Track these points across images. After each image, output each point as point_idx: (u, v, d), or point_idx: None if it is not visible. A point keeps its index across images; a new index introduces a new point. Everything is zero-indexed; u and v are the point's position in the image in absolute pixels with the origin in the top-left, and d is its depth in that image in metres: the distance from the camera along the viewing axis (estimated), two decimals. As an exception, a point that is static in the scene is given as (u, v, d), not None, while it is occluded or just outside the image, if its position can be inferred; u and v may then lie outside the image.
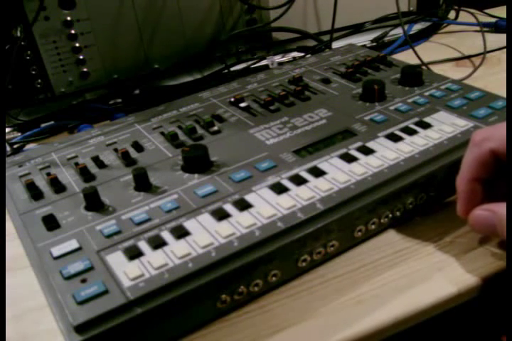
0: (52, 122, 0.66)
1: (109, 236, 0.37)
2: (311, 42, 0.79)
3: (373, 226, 0.41)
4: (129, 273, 0.34)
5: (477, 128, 0.46)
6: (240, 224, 0.37)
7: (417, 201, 0.43)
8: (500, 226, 0.36)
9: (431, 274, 0.39)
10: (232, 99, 0.55)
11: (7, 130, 0.65)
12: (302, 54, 0.77)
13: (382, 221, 0.42)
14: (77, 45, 0.66)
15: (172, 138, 0.48)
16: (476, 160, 0.38)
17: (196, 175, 0.43)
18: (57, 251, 0.36)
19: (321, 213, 0.38)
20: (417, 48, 0.73)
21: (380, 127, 0.47)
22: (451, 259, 0.40)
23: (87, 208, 0.41)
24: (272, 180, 0.42)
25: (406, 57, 0.72)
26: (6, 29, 0.60)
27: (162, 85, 0.73)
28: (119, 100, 0.69)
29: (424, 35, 0.84)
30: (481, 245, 0.41)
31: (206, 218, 0.38)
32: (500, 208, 0.36)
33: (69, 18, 0.64)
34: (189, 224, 0.38)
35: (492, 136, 0.37)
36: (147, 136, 0.50)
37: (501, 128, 0.38)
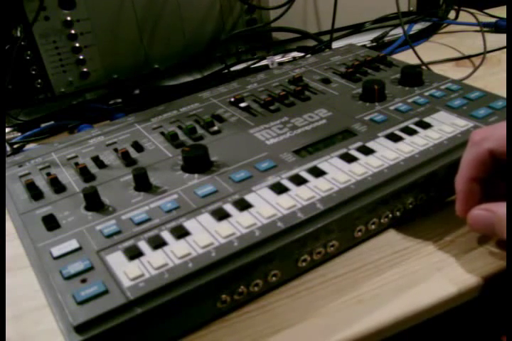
0: (52, 122, 0.66)
1: (109, 236, 0.37)
2: (311, 42, 0.79)
3: (373, 226, 0.41)
4: (129, 273, 0.34)
5: (477, 128, 0.46)
6: (240, 224, 0.37)
7: (417, 201, 0.43)
8: (499, 226, 0.36)
9: (431, 274, 0.39)
10: (232, 99, 0.55)
11: (7, 130, 0.65)
12: (302, 54, 0.77)
13: (382, 221, 0.42)
14: (77, 45, 0.66)
15: (172, 138, 0.48)
16: (475, 159, 0.38)
17: (196, 175, 0.43)
18: (57, 251, 0.36)
19: (321, 213, 0.38)
20: (417, 48, 0.72)
21: (380, 127, 0.47)
22: (451, 259, 0.40)
23: (87, 208, 0.41)
24: (272, 180, 0.42)
25: (406, 57, 0.72)
26: (6, 29, 0.60)
27: (162, 85, 0.73)
28: (119, 100, 0.69)
29: (424, 35, 0.84)
30: (481, 245, 0.41)
31: (206, 218, 0.38)
32: (499, 208, 0.36)
33: (69, 18, 0.64)
34: (189, 224, 0.38)
35: (490, 136, 0.37)
36: (147, 136, 0.50)
37: (500, 128, 0.38)
